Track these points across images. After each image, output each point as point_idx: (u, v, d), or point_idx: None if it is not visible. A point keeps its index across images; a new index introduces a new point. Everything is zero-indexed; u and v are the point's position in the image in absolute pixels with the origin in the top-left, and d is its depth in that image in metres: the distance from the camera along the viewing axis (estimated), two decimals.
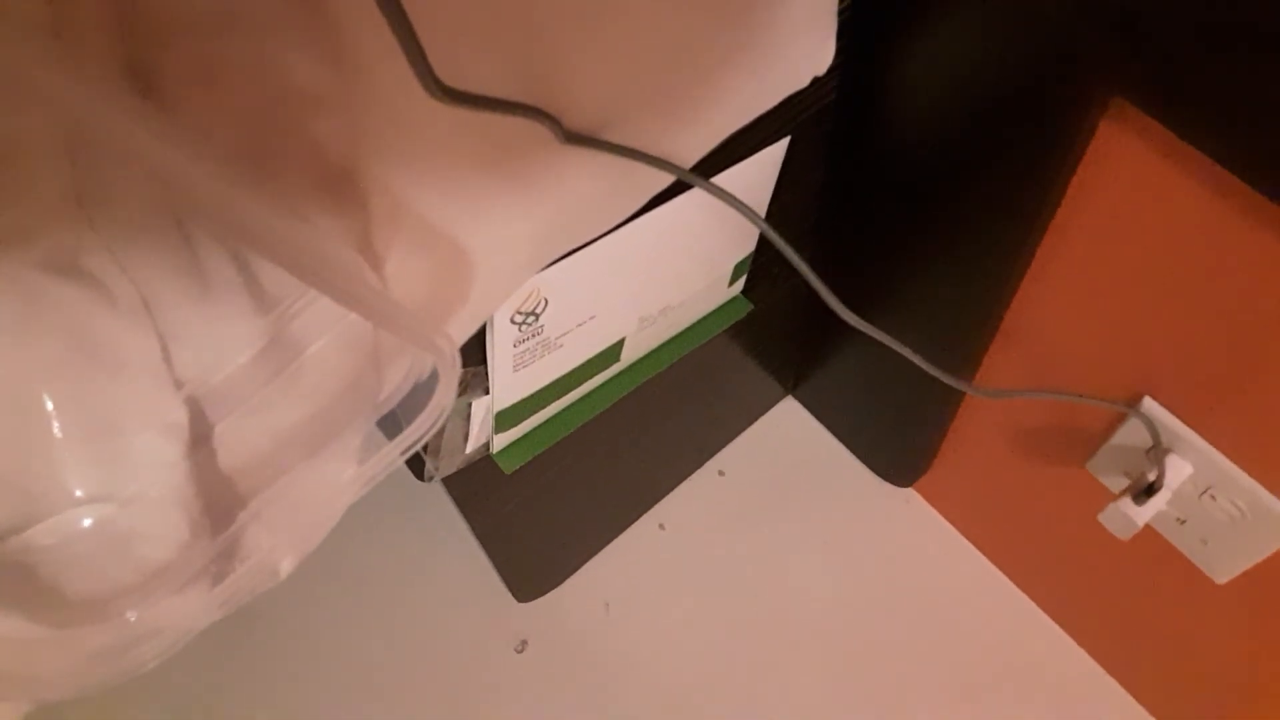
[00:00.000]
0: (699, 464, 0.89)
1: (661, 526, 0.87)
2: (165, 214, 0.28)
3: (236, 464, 0.33)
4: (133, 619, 0.30)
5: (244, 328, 0.30)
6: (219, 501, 0.33)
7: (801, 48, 0.44)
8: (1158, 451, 0.57)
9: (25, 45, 0.20)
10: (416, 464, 0.54)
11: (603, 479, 0.76)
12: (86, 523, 0.29)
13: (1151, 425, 0.56)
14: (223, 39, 0.28)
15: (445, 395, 0.32)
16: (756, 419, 0.92)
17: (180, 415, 0.30)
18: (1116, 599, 0.73)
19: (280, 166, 0.30)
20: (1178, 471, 0.57)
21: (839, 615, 0.82)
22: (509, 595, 0.82)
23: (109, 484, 0.29)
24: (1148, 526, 0.61)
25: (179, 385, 0.30)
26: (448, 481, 0.59)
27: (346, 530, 0.38)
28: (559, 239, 0.41)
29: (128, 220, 0.27)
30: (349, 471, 0.35)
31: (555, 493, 0.71)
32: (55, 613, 0.29)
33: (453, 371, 0.31)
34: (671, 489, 0.88)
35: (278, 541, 0.35)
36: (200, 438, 0.31)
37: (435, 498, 0.86)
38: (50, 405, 0.28)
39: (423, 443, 0.33)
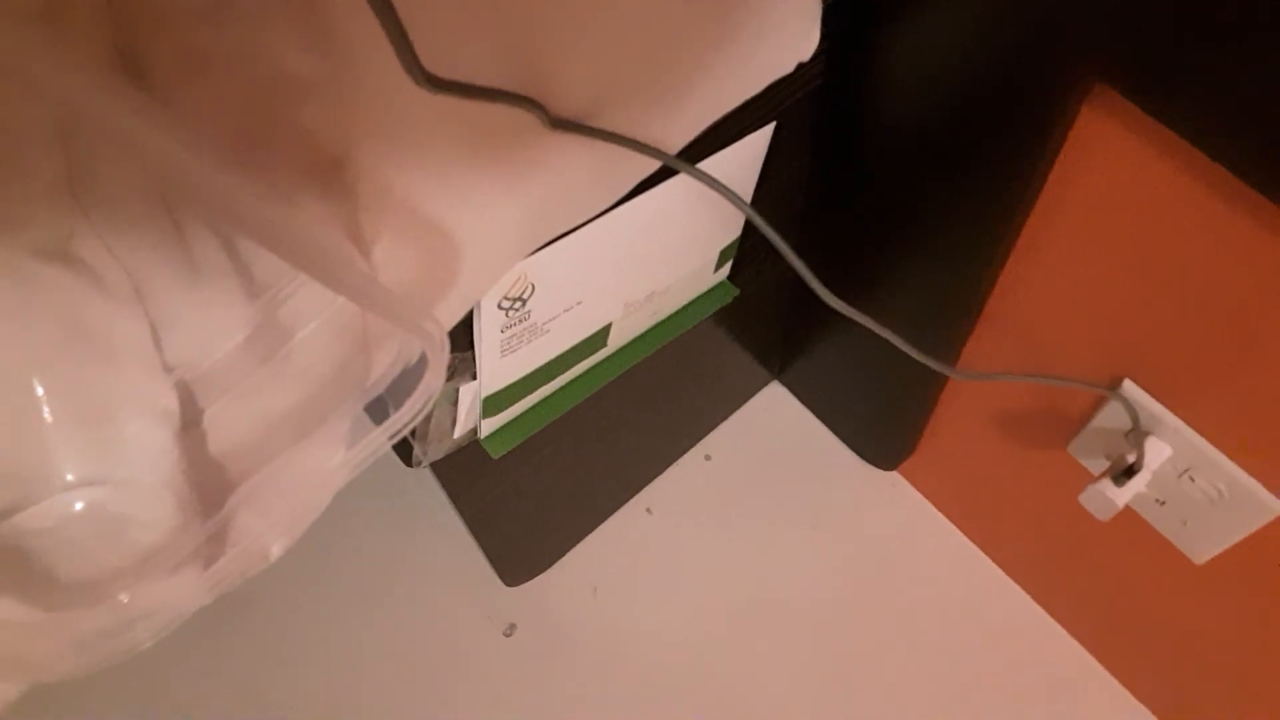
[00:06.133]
0: (686, 449, 0.90)
1: (649, 511, 0.87)
2: (156, 200, 0.28)
3: (226, 448, 0.33)
4: (126, 601, 0.30)
5: (233, 313, 0.31)
6: (209, 485, 0.33)
7: (786, 33, 0.45)
8: (1137, 434, 0.58)
9: (16, 32, 0.20)
10: (404, 449, 0.54)
11: (590, 463, 0.77)
12: (79, 506, 0.29)
13: (1131, 408, 0.57)
14: (213, 27, 0.28)
15: (434, 379, 0.32)
16: (743, 404, 0.92)
17: (171, 400, 0.30)
18: (1097, 579, 0.74)
19: (270, 153, 0.30)
20: (1157, 453, 0.58)
21: (824, 598, 0.83)
22: (497, 580, 0.83)
23: (101, 468, 0.30)
24: (1127, 508, 0.62)
25: (169, 370, 0.30)
26: (436, 467, 0.59)
27: (336, 515, 0.38)
28: (546, 224, 0.41)
29: (119, 206, 0.27)
30: (338, 456, 0.35)
31: (543, 477, 0.71)
32: (48, 595, 0.30)
33: (441, 355, 0.32)
34: (658, 474, 0.88)
35: (268, 525, 0.35)
36: (190, 422, 0.32)
37: (423, 483, 0.87)
38: (41, 390, 0.28)
39: (411, 427, 0.33)
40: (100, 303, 0.28)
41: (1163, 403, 0.56)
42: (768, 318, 0.81)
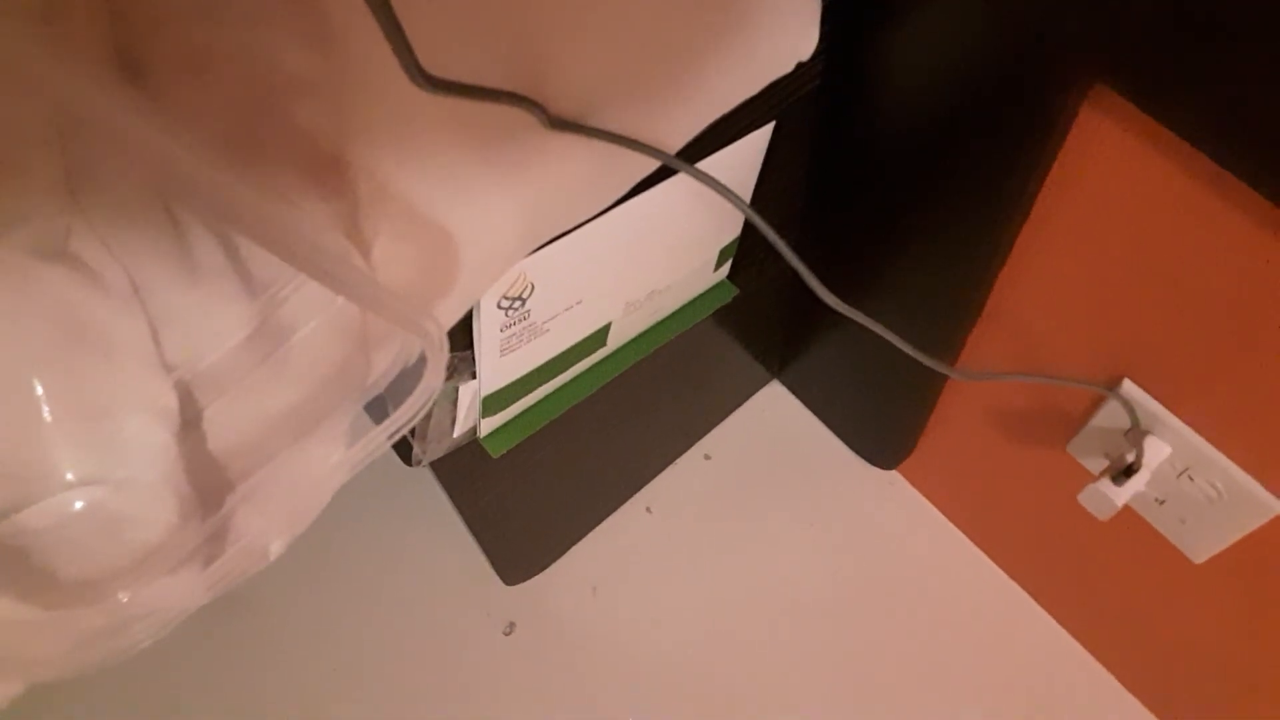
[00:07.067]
0: (685, 448, 0.90)
1: (648, 510, 0.87)
2: (155, 199, 0.28)
3: (226, 447, 0.33)
4: (125, 600, 0.30)
5: (233, 312, 0.31)
6: (209, 484, 0.33)
7: (785, 33, 0.45)
8: (1136, 433, 0.58)
9: (14, 30, 0.20)
10: (404, 448, 0.54)
11: (590, 463, 0.77)
12: (78, 506, 0.29)
13: (1130, 407, 0.57)
14: (212, 25, 0.28)
15: (434, 377, 0.32)
16: (742, 403, 0.92)
17: (170, 399, 0.30)
18: (1096, 579, 0.74)
19: (268, 152, 0.30)
20: (1156, 452, 0.58)
21: (823, 597, 0.83)
22: (496, 579, 0.83)
23: (100, 467, 0.29)
24: (1127, 507, 0.62)
25: (169, 369, 0.30)
26: (435, 466, 0.59)
27: (335, 515, 0.38)
28: (545, 224, 0.41)
29: (117, 205, 0.27)
30: (337, 455, 0.35)
31: (542, 476, 0.71)
32: (48, 595, 0.30)
33: (441, 354, 0.32)
34: (658, 473, 0.88)
35: (267, 524, 0.35)
36: (190, 421, 0.32)
37: (423, 482, 0.87)
38: (40, 389, 0.28)
39: (411, 426, 0.33)
40: (99, 301, 0.28)
41: (1162, 402, 0.56)
42: (767, 317, 0.81)
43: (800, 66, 0.47)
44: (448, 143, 0.34)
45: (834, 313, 0.50)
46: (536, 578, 0.84)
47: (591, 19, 0.36)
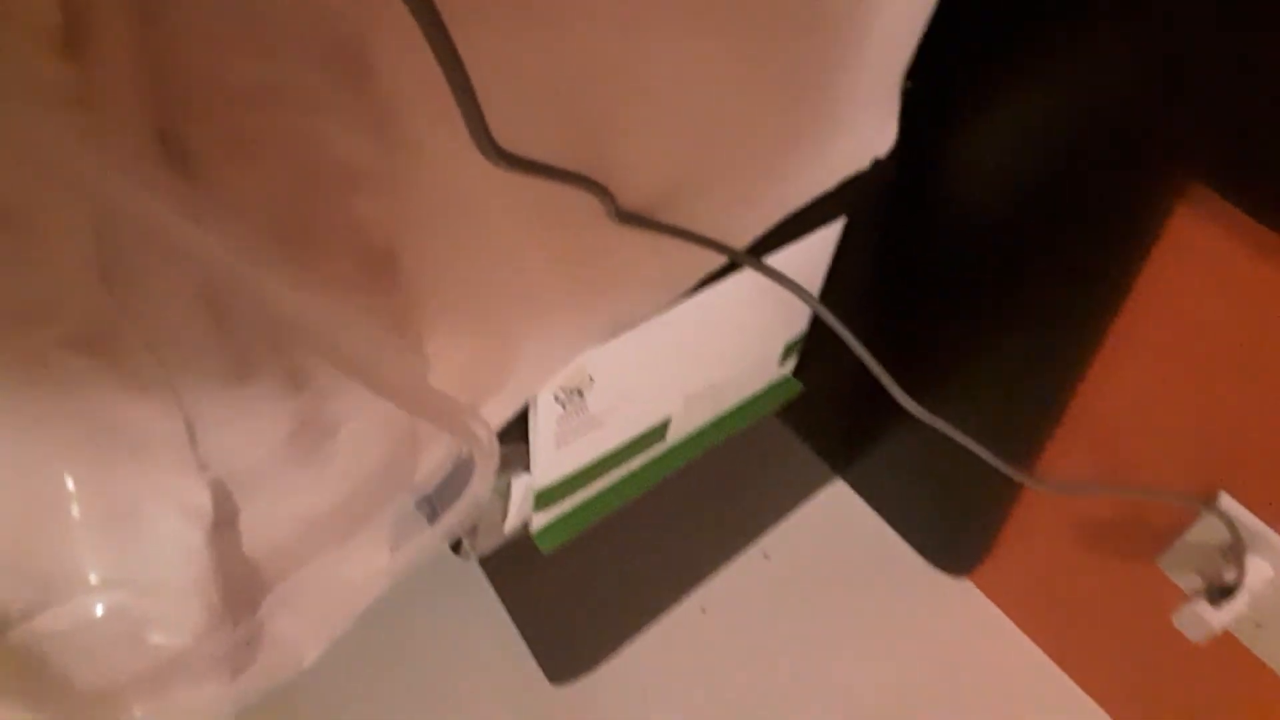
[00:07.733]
0: (743, 546, 0.87)
1: (703, 610, 0.84)
2: (195, 294, 0.27)
3: (263, 549, 0.32)
4: (139, 716, 0.28)
5: (274, 409, 0.29)
6: (242, 587, 0.32)
7: (863, 129, 0.43)
8: (1236, 551, 0.54)
9: (50, 117, 0.19)
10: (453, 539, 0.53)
11: (643, 560, 0.75)
12: (99, 610, 0.28)
13: (1229, 523, 0.53)
14: (261, 111, 0.27)
15: (481, 486, 0.30)
16: (803, 501, 0.90)
17: (203, 499, 0.29)
18: (1188, 706, 0.69)
19: (319, 244, 0.29)
20: (1257, 573, 0.54)
21: (887, 709, 0.79)
22: (543, 677, 0.80)
23: (125, 568, 0.28)
24: (1224, 630, 0.58)
25: (203, 468, 0.29)
26: (483, 558, 0.58)
27: (376, 604, 0.36)
28: (608, 320, 0.40)
29: (154, 298, 0.26)
30: (381, 559, 0.34)
31: (594, 573, 0.69)
32: (60, 704, 0.28)
33: (490, 461, 0.30)
34: (714, 571, 0.86)
35: (302, 630, 0.33)
36: (225, 522, 0.30)
37: (469, 573, 0.85)
38: (70, 485, 0.27)
39: (455, 538, 0.31)
40: (132, 397, 0.26)
41: (1262, 518, 0.53)
42: (833, 413, 0.79)
43: (876, 162, 0.45)
44: (508, 237, 0.33)
45: (903, 410, 0.48)
46: (584, 678, 0.81)
47: (668, 111, 0.35)
